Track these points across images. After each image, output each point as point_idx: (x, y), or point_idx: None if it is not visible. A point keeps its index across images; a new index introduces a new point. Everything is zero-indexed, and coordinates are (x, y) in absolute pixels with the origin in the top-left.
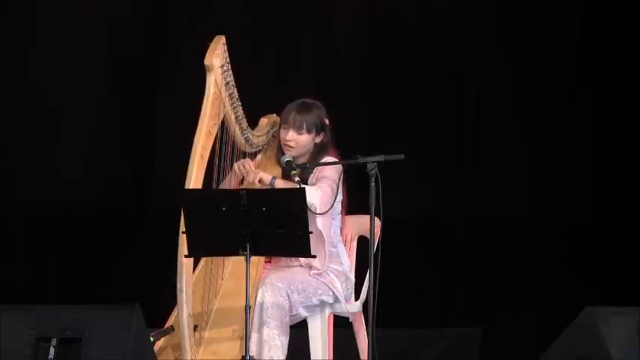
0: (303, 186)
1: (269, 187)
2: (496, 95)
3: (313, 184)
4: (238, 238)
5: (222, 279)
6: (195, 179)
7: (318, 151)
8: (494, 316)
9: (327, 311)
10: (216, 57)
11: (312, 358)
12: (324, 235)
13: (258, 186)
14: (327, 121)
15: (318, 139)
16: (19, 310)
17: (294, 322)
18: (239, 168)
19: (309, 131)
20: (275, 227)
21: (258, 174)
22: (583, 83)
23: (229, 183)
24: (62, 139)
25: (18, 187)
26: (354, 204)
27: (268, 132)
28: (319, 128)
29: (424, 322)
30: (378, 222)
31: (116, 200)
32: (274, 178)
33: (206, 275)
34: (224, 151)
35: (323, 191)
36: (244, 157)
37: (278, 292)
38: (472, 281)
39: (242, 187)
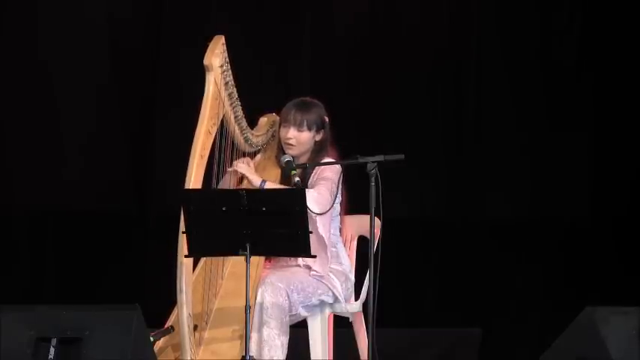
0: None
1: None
2: (496, 95)
3: (313, 185)
4: (238, 238)
5: (222, 279)
6: (194, 179)
7: (319, 149)
8: (494, 316)
9: (327, 311)
10: (216, 57)
11: (312, 358)
12: (325, 239)
13: (245, 184)
14: (326, 119)
15: (318, 137)
16: (19, 310)
17: (294, 322)
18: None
19: (309, 129)
20: (275, 227)
21: (245, 170)
22: (583, 83)
23: (228, 183)
24: (62, 139)
25: (18, 187)
26: (354, 204)
27: (268, 131)
28: (319, 126)
29: (424, 322)
30: (378, 222)
31: (116, 200)
32: (264, 181)
33: (206, 275)
34: (223, 151)
35: (320, 194)
36: (244, 157)
37: (278, 292)
38: (472, 281)
39: (242, 187)
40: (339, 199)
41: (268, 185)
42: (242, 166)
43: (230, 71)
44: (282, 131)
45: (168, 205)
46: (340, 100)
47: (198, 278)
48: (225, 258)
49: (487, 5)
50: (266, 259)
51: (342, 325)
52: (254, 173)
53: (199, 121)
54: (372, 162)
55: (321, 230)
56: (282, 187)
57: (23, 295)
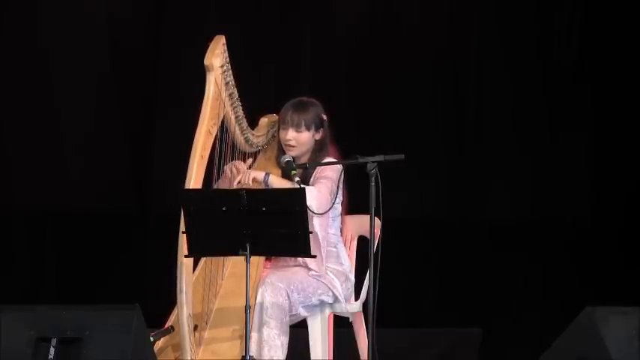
0: (302, 186)
1: (263, 184)
2: (496, 95)
3: (313, 184)
4: (238, 238)
5: (222, 279)
6: (195, 179)
7: (319, 148)
8: (494, 316)
9: (327, 311)
10: (216, 57)
11: (312, 358)
12: (320, 238)
13: (253, 185)
14: (324, 118)
15: (317, 136)
16: (19, 310)
17: (294, 322)
18: (230, 170)
19: (308, 129)
20: (275, 227)
21: (251, 174)
22: (583, 84)
23: (229, 179)
24: (62, 139)
25: (18, 187)
26: (354, 204)
27: (268, 132)
28: (318, 125)
29: (424, 322)
30: (378, 222)
31: (116, 200)
32: (267, 174)
33: (206, 275)
34: (224, 151)
35: (320, 192)
36: (244, 157)
37: (278, 292)
38: (472, 281)
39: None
40: (339, 198)
41: (272, 178)
42: (256, 175)
43: (230, 71)
44: (281, 133)
45: (168, 205)
46: (340, 100)
47: (198, 278)
48: (225, 258)
49: (487, 5)
50: (266, 259)
51: (342, 325)
52: (254, 171)
53: (200, 122)
54: (372, 162)
55: (317, 229)
56: (285, 181)
57: (23, 295)
